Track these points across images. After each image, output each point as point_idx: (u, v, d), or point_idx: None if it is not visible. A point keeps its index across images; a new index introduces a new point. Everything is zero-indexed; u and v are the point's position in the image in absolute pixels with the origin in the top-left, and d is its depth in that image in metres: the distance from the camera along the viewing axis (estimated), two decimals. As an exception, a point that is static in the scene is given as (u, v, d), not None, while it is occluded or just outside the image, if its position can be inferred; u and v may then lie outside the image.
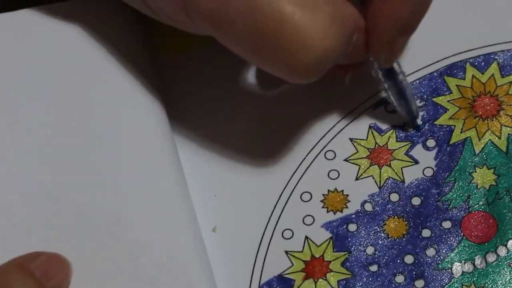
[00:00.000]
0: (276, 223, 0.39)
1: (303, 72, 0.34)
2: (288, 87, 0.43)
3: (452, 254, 0.38)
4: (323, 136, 0.41)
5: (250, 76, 0.43)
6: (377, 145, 0.41)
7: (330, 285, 0.38)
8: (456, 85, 0.42)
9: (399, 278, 0.38)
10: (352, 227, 0.39)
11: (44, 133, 0.39)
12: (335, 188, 0.40)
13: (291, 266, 0.38)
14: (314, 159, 0.41)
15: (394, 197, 0.40)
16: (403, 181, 0.40)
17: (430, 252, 0.38)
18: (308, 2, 0.34)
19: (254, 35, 0.34)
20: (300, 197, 0.40)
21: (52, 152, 0.38)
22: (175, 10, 0.36)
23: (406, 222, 0.39)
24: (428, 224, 0.39)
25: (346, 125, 0.42)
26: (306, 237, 0.39)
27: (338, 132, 0.41)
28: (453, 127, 0.41)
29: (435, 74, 0.42)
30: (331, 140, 0.41)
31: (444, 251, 0.38)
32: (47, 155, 0.38)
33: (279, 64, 0.34)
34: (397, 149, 0.41)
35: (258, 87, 0.43)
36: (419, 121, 0.41)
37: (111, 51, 0.41)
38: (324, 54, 0.34)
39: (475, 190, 0.39)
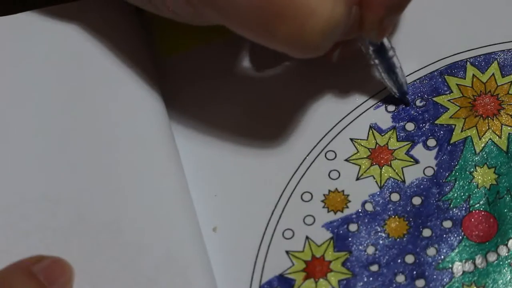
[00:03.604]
0: (277, 223, 0.39)
1: (314, 44, 0.35)
2: (288, 87, 0.43)
3: (453, 254, 0.38)
4: (324, 136, 0.41)
5: (250, 76, 0.43)
6: (377, 145, 0.41)
7: (331, 285, 0.38)
8: (457, 85, 0.42)
9: (400, 278, 0.38)
10: (353, 227, 0.39)
11: (43, 135, 0.39)
12: (336, 188, 0.40)
13: (291, 266, 0.38)
14: (315, 159, 0.41)
15: (395, 197, 0.39)
16: (403, 181, 0.40)
17: (431, 251, 0.38)
18: None
19: (262, 12, 0.34)
20: (301, 197, 0.40)
21: (51, 154, 0.39)
22: (178, 1, 0.35)
23: (407, 222, 0.39)
24: (428, 223, 0.39)
25: (347, 125, 0.42)
26: (307, 237, 0.39)
27: (339, 132, 0.41)
28: (453, 126, 0.41)
29: (436, 73, 0.42)
30: (331, 140, 0.41)
31: (444, 251, 0.38)
32: (46, 158, 0.38)
33: (290, 37, 0.34)
34: (397, 149, 0.41)
35: (258, 87, 0.43)
36: (408, 96, 0.41)
37: (111, 52, 0.41)
38: (333, 24, 0.34)
39: (475, 190, 0.39)
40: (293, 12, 0.34)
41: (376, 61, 0.40)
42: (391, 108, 0.42)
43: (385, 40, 0.40)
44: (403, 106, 0.42)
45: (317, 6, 0.34)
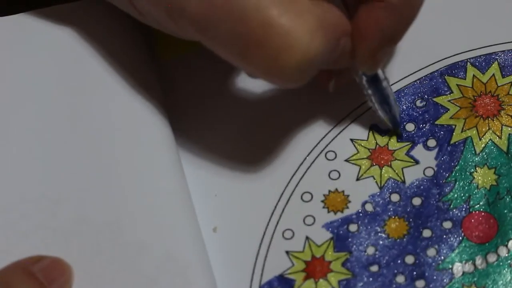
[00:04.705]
0: (277, 223, 0.39)
1: (290, 76, 0.35)
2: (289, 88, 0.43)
3: (453, 254, 0.38)
4: (324, 137, 0.41)
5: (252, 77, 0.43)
6: (377, 145, 0.41)
7: (331, 285, 0.38)
8: (457, 85, 0.42)
9: (400, 278, 0.38)
10: (353, 227, 0.39)
11: (44, 136, 0.39)
12: (336, 189, 0.40)
13: (291, 266, 0.38)
14: (315, 159, 0.41)
15: (395, 197, 0.39)
16: (403, 182, 0.40)
17: (431, 252, 0.38)
18: (295, 6, 0.34)
19: (240, 39, 0.34)
20: (301, 197, 0.40)
21: (51, 154, 0.39)
22: (162, 14, 0.36)
23: (407, 223, 0.39)
24: (428, 224, 0.39)
25: (347, 126, 0.42)
26: (307, 237, 0.39)
27: (339, 133, 0.41)
28: (453, 126, 0.41)
29: (436, 74, 0.42)
30: (332, 141, 0.41)
31: (444, 251, 0.38)
32: (46, 157, 0.38)
33: (265, 67, 0.34)
34: (397, 149, 0.41)
35: (259, 88, 0.43)
36: (401, 129, 0.41)
37: (111, 52, 0.41)
38: (310, 57, 0.34)
39: (475, 190, 0.39)
40: (268, 44, 0.34)
41: (370, 92, 0.40)
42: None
43: (379, 71, 0.39)
44: (403, 107, 0.42)
45: (292, 40, 0.34)
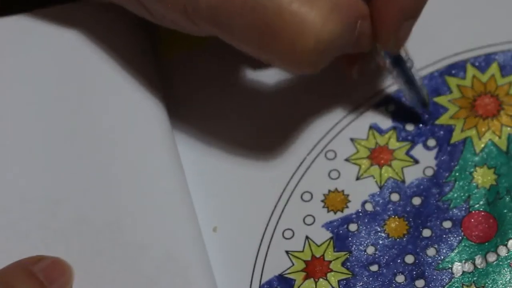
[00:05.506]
0: (277, 223, 0.39)
1: (306, 62, 0.35)
2: (288, 87, 0.43)
3: (453, 254, 0.38)
4: (324, 136, 0.41)
5: (251, 76, 0.43)
6: (377, 145, 0.41)
7: (331, 285, 0.38)
8: (457, 85, 0.42)
9: (400, 278, 0.38)
10: (353, 227, 0.39)
11: (44, 136, 0.39)
12: (336, 188, 0.40)
13: (291, 266, 0.38)
14: (315, 159, 0.41)
15: (395, 197, 0.40)
16: (403, 181, 0.40)
17: (431, 252, 0.38)
18: None
19: (255, 29, 0.34)
20: (301, 197, 0.40)
21: (51, 154, 0.39)
22: (177, 15, 0.36)
23: (407, 222, 0.39)
24: (428, 224, 0.39)
25: (347, 125, 0.42)
26: (307, 237, 0.39)
27: (339, 132, 0.41)
28: (453, 126, 0.41)
29: (436, 73, 0.42)
30: (331, 140, 0.41)
31: (444, 251, 0.38)
32: (46, 158, 0.38)
33: (281, 55, 0.35)
34: (397, 149, 0.41)
35: (259, 87, 0.43)
36: (425, 98, 0.41)
37: (111, 54, 0.41)
38: (324, 42, 0.34)
39: (475, 190, 0.39)
40: (283, 32, 0.34)
41: (395, 73, 0.40)
42: (391, 108, 0.42)
43: (402, 52, 0.39)
44: (403, 106, 0.42)
45: (305, 26, 0.34)
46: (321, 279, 0.38)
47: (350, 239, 0.39)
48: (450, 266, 0.38)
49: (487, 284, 0.37)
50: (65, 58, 0.41)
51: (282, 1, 0.34)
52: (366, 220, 0.39)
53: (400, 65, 0.40)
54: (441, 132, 0.41)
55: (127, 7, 0.39)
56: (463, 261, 0.38)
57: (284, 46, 0.34)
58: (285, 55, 0.35)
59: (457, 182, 0.39)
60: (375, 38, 0.37)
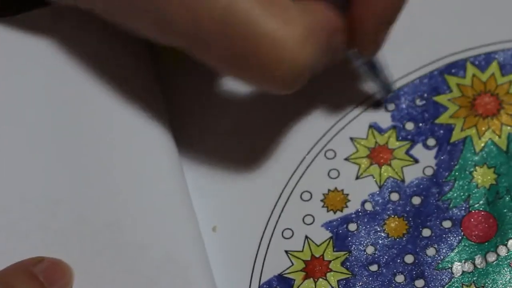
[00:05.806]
0: (276, 223, 0.39)
1: (284, 86, 0.35)
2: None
3: (452, 254, 0.38)
4: (323, 135, 0.41)
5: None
6: (377, 144, 0.41)
7: (330, 284, 0.38)
8: (457, 84, 0.42)
9: (399, 278, 0.38)
10: (352, 226, 0.39)
11: (44, 137, 0.39)
12: (335, 188, 0.40)
13: (291, 266, 0.38)
14: (314, 158, 0.41)
15: (394, 196, 0.40)
16: (403, 181, 0.40)
17: (430, 251, 0.38)
18: (283, 16, 0.34)
19: (230, 54, 0.34)
20: (300, 196, 0.40)
21: (51, 155, 0.38)
22: (150, 30, 0.36)
23: (406, 222, 0.39)
24: (428, 223, 0.39)
25: (346, 124, 0.42)
26: (306, 237, 0.39)
27: (338, 131, 0.41)
28: (453, 125, 0.41)
29: (436, 72, 0.42)
30: (331, 139, 0.41)
31: (444, 251, 0.38)
32: (46, 158, 0.38)
33: (258, 79, 0.35)
34: (397, 148, 0.41)
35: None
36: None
37: (111, 54, 0.41)
38: (302, 67, 0.34)
39: (475, 189, 0.39)
40: (261, 57, 0.34)
41: (359, 62, 0.40)
42: (391, 107, 0.42)
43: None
44: (403, 106, 0.42)
45: (287, 52, 0.34)
46: (320, 279, 0.38)
47: (349, 238, 0.39)
48: (450, 266, 0.38)
49: (487, 284, 0.37)
50: (65, 58, 0.40)
51: (258, 28, 0.33)
52: (366, 220, 0.39)
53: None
54: (441, 132, 0.41)
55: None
56: (463, 261, 0.38)
57: (261, 72, 0.34)
58: (261, 81, 0.35)
59: (457, 182, 0.39)
60: (351, 45, 0.38)
